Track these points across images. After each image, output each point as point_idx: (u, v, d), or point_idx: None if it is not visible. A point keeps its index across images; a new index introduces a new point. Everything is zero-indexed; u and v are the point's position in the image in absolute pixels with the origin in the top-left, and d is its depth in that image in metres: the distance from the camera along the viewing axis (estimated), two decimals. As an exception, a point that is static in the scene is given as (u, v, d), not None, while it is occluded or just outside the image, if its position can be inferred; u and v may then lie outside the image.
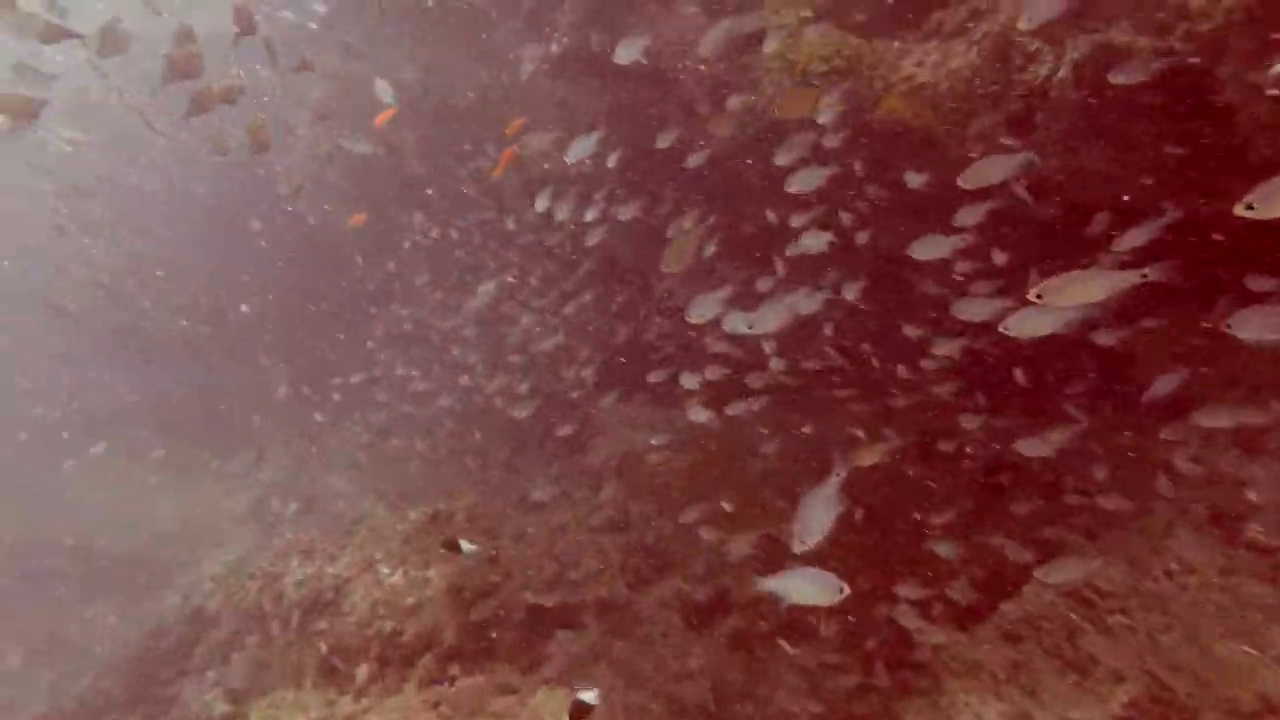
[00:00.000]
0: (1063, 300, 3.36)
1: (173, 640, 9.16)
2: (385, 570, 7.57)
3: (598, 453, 9.49)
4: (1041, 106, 4.36)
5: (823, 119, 5.51)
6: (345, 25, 11.05)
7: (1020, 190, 4.84)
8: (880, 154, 5.50)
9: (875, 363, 6.04)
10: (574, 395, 8.78)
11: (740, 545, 5.38)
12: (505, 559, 7.63)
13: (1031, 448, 4.77)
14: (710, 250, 7.02)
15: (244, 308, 13.74)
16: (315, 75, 12.26)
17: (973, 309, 4.71)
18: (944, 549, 5.02)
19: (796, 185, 5.37)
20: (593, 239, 7.72)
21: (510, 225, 9.18)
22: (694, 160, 6.64)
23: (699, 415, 6.02)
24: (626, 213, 6.94)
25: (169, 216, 14.70)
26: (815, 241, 5.41)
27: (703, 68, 6.32)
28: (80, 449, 13.98)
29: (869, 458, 5.20)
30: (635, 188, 8.16)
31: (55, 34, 4.88)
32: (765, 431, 7.04)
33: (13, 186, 12.76)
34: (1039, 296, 3.33)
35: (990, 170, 4.26)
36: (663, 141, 6.64)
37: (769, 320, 5.08)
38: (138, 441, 14.33)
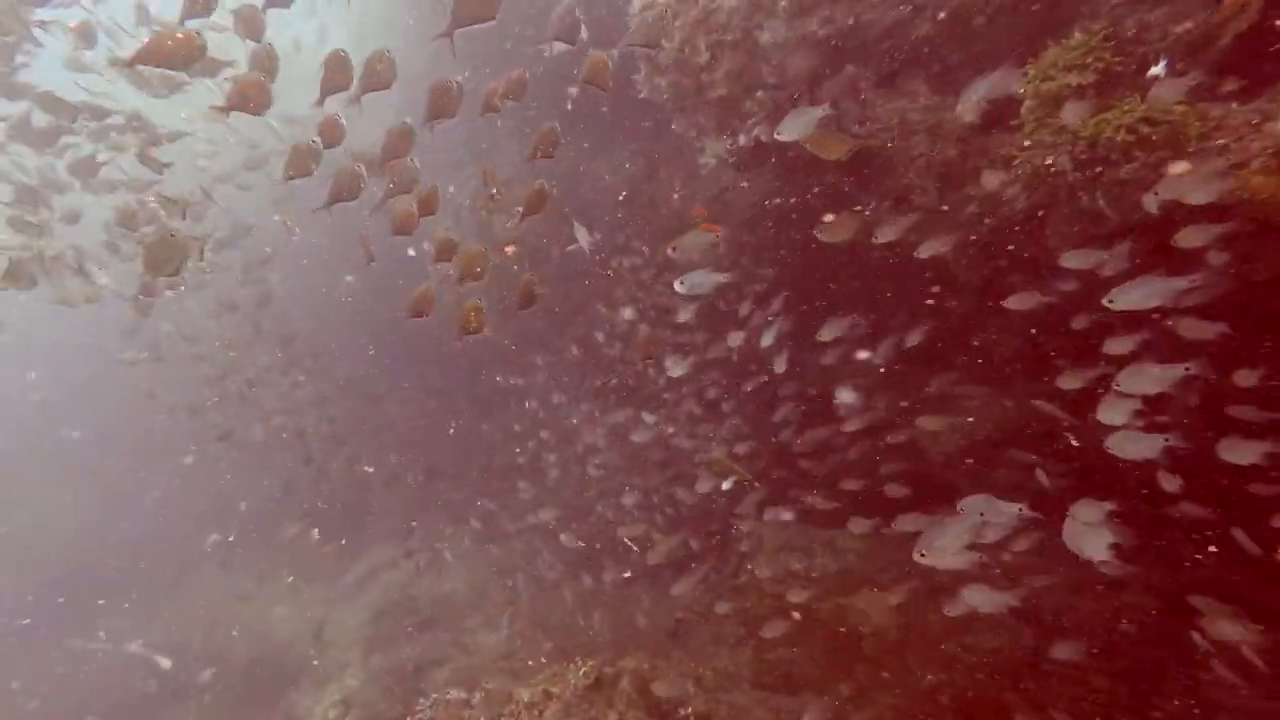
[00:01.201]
0: None
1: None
2: (541, 763, 6.25)
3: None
4: None
5: (1150, 206, 3.88)
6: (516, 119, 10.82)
7: None
8: (1242, 251, 3.76)
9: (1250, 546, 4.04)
10: (745, 550, 7.21)
11: None
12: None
13: None
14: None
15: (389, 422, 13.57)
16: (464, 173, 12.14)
17: None
18: None
19: (1126, 301, 3.72)
20: (779, 365, 6.32)
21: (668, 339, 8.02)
22: (926, 250, 5.14)
23: (982, 598, 4.23)
24: (830, 333, 5.49)
25: (326, 323, 15.16)
26: (1161, 377, 3.67)
27: (922, 156, 4.93)
28: (219, 548, 14.17)
29: None
30: (828, 299, 6.75)
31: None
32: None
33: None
34: None
35: None
36: (883, 235, 5.22)
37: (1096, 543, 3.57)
38: (260, 538, 14.29)
